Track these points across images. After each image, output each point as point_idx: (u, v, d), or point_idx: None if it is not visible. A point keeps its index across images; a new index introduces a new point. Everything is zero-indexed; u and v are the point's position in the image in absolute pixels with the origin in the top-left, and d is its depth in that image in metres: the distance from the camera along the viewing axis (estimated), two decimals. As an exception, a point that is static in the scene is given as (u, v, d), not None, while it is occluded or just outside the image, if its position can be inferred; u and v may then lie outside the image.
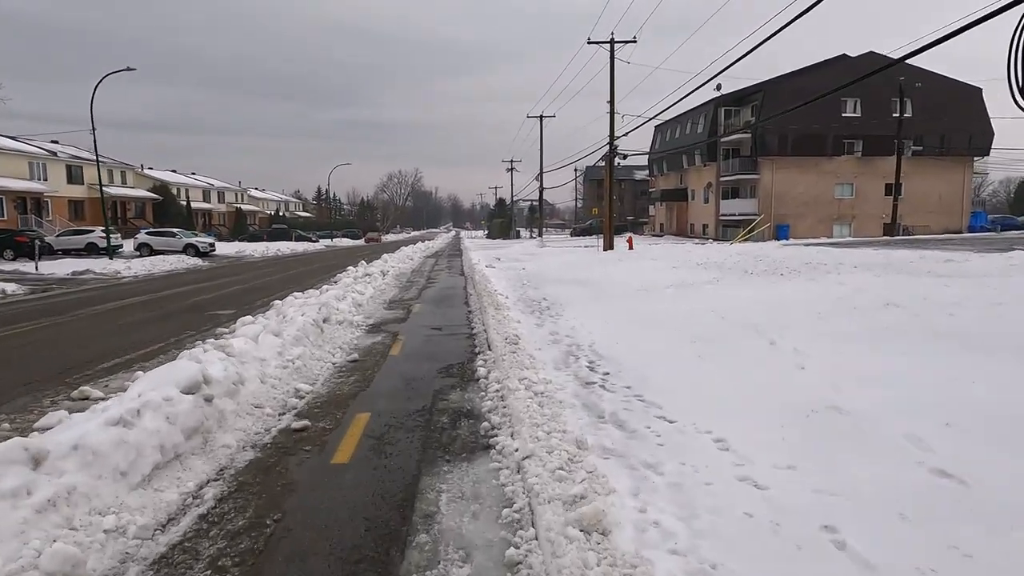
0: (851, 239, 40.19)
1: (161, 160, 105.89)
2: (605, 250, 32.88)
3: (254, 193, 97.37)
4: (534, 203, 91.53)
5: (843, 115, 43.09)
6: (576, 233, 70.63)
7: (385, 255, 24.34)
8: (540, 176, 56.00)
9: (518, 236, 79.40)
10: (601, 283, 15.97)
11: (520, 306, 12.35)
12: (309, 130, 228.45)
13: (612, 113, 32.39)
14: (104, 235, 38.49)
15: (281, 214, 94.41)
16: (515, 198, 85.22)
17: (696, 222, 52.65)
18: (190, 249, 37.75)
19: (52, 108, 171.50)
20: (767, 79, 43.60)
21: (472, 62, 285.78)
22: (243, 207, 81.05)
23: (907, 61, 9.21)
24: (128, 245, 39.14)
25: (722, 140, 46.59)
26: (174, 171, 78.12)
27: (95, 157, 55.02)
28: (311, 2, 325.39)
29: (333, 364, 7.85)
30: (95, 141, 28.39)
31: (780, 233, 42.64)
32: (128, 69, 27.20)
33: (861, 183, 44.35)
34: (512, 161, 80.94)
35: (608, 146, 32.53)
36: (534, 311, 11.58)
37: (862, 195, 44.48)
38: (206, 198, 76.20)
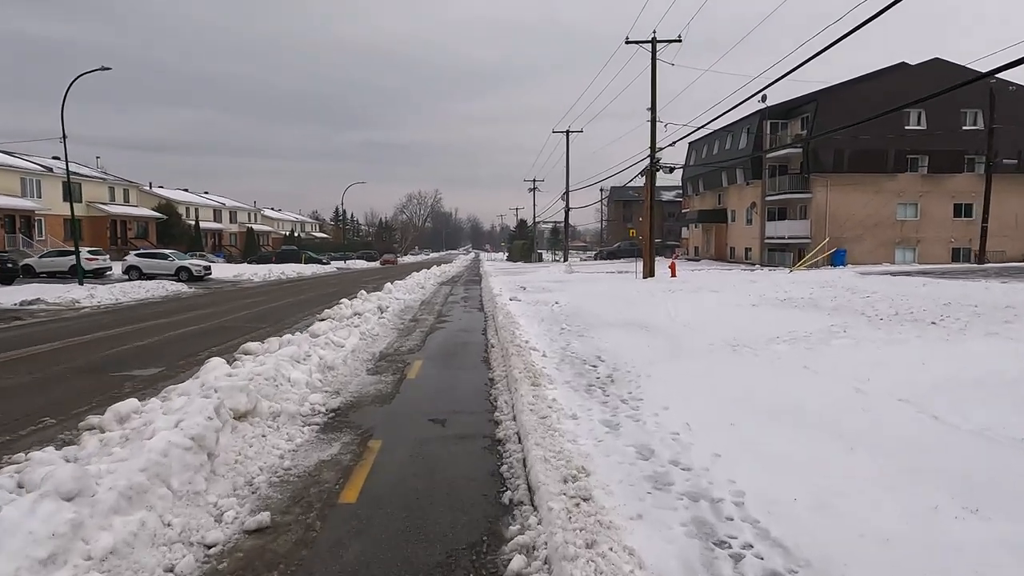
0: (921, 266, 35.55)
1: (181, 181, 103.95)
2: (645, 277, 28.69)
3: (269, 213, 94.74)
4: (556, 224, 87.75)
5: (906, 128, 38.67)
6: (603, 256, 66.42)
7: (388, 284, 20.36)
8: (566, 194, 52.10)
9: (540, 259, 75.38)
10: (668, 330, 11.77)
11: (567, 373, 8.22)
12: (329, 152, 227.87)
13: (654, 121, 28.42)
14: (92, 256, 35.31)
15: (296, 235, 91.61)
16: (536, 220, 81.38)
17: (736, 245, 48.21)
18: (183, 272, 34.35)
19: (77, 130, 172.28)
20: (819, 89, 39.41)
21: (494, 83, 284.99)
22: (255, 227, 78.16)
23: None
24: (118, 268, 35.82)
25: (768, 156, 42.39)
26: (186, 190, 75.66)
27: (96, 173, 52.34)
28: (332, 26, 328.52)
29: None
30: (65, 150, 25.20)
31: (836, 259, 38.10)
32: (103, 69, 23.86)
33: (926, 203, 39.73)
34: (535, 181, 77.25)
35: (649, 158, 28.50)
36: (591, 386, 7.43)
37: (927, 216, 39.83)
38: (217, 218, 73.41)
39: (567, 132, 51.74)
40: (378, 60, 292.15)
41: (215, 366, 6.97)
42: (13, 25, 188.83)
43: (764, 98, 37.36)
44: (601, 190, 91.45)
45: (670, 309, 14.88)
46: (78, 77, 24.10)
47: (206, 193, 79.84)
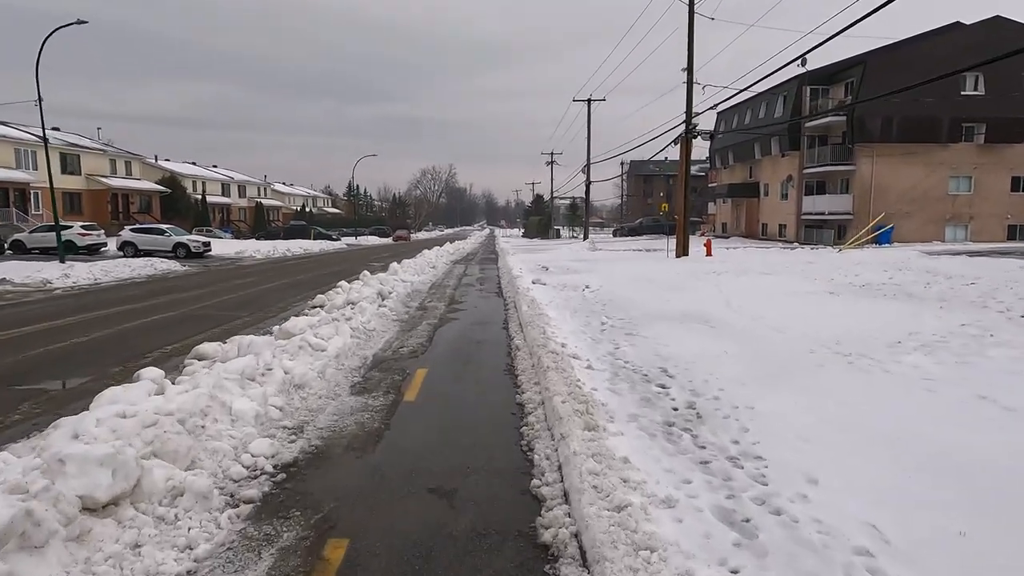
0: (977, 245, 32.56)
1: (195, 156, 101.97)
2: (679, 256, 26.11)
3: (279, 188, 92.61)
4: (574, 200, 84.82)
5: (962, 94, 35.36)
6: (623, 233, 63.55)
7: (394, 264, 17.94)
8: (587, 167, 49.25)
9: (557, 235, 72.71)
10: (738, 325, 9.30)
11: (628, 399, 5.80)
12: (344, 127, 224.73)
13: (690, 82, 25.58)
14: (86, 231, 33.31)
15: (308, 210, 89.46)
16: (554, 195, 78.50)
17: (769, 221, 45.26)
18: (180, 249, 32.26)
19: (93, 105, 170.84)
20: (867, 51, 36.09)
21: (512, 57, 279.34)
22: (264, 202, 76.06)
23: None
24: (113, 244, 33.79)
25: (808, 124, 39.25)
26: (193, 163, 73.57)
27: (96, 144, 50.24)
28: (346, 3, 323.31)
29: None
30: (42, 115, 22.71)
31: (882, 237, 35.15)
32: (80, 22, 21.44)
33: (981, 176, 36.52)
34: (552, 153, 74.25)
35: (684, 124, 25.72)
36: (671, 427, 5.00)
37: (982, 191, 36.66)
38: (225, 192, 71.34)
39: (588, 101, 48.77)
40: (394, 33, 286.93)
41: (111, 397, 4.63)
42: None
43: (804, 62, 34.18)
44: (622, 163, 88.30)
45: (727, 296, 12.38)
46: (54, 31, 21.72)
47: (215, 167, 77.76)
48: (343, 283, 14.03)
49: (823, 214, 38.12)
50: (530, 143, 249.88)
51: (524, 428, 5.42)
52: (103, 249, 34.06)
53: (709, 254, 26.91)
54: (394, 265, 17.41)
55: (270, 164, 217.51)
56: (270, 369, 6.23)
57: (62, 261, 23.05)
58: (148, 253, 32.29)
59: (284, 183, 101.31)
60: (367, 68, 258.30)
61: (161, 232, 32.97)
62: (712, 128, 54.34)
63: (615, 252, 32.45)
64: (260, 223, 67.08)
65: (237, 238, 56.73)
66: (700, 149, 55.81)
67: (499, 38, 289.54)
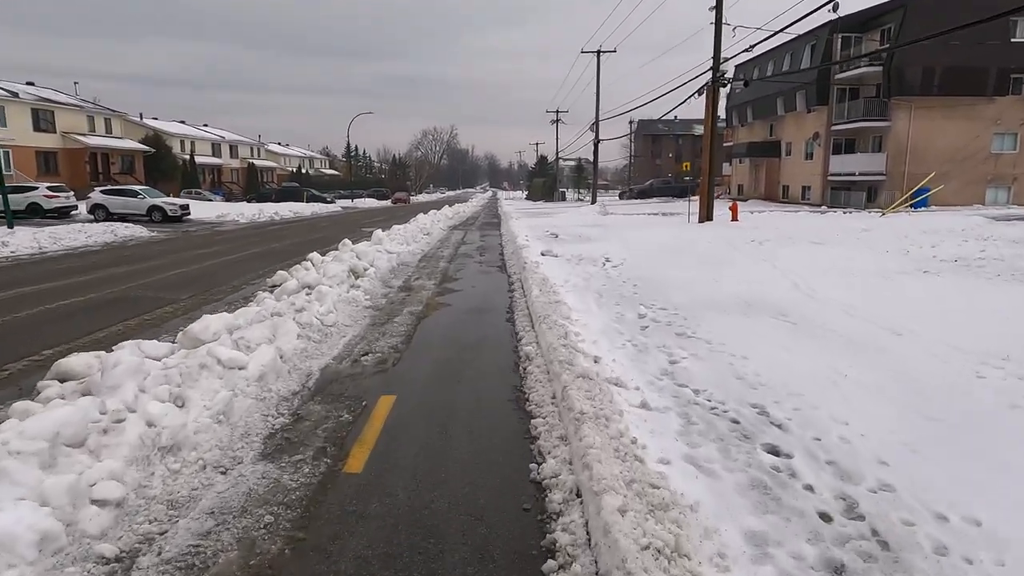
0: (1018, 209, 29.76)
1: (191, 117, 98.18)
2: (702, 221, 23.43)
3: (274, 148, 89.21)
4: (580, 161, 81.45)
5: (1012, 41, 32.05)
6: (632, 195, 60.49)
7: (378, 232, 15.22)
8: (595, 125, 46.04)
9: (563, 198, 69.70)
10: (834, 323, 6.73)
11: (728, 483, 3.31)
12: (344, 87, 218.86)
13: (718, 21, 22.52)
14: (53, 193, 30.64)
15: (304, 171, 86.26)
16: (559, 155, 75.20)
17: (791, 183, 42.27)
18: (155, 212, 29.68)
19: (81, 64, 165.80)
20: (909, -8, 32.61)
21: (516, 15, 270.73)
22: (257, 163, 72.92)
23: None
24: (84, 207, 31.15)
25: (838, 77, 36.04)
26: (182, 122, 70.29)
27: (72, 100, 47.10)
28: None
29: None
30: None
31: (919, 200, 32.29)
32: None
33: (1028, 133, 33.45)
34: (558, 112, 70.64)
35: (711, 71, 22.73)
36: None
37: (1028, 149, 33.62)
38: (216, 152, 68.15)
39: (598, 52, 45.27)
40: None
41: None
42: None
43: (836, 6, 30.86)
44: (630, 122, 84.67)
45: (788, 275, 9.81)
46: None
47: (205, 126, 74.41)
48: (314, 255, 11.47)
49: (853, 175, 35.17)
50: (534, 104, 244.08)
51: (557, 552, 2.91)
52: (73, 212, 31.46)
53: (735, 218, 24.22)
54: (378, 233, 14.78)
55: (268, 126, 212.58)
56: (121, 421, 3.71)
57: (10, 226, 20.45)
58: (123, 217, 29.74)
59: (280, 143, 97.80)
60: (368, 26, 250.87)
61: (135, 194, 30.28)
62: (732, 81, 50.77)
63: (628, 217, 29.71)
64: (253, 185, 64.15)
65: (228, 200, 53.98)
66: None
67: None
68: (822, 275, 9.75)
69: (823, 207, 34.98)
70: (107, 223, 23.61)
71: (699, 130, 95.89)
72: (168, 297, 9.80)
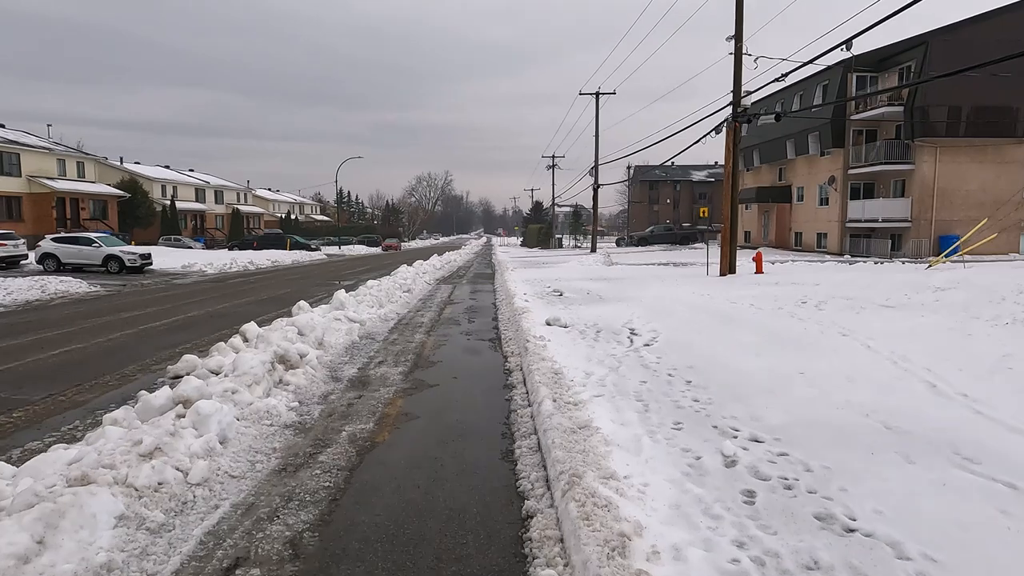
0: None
1: (188, 163, 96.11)
2: (723, 274, 20.58)
3: (263, 193, 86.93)
4: (577, 207, 79.29)
5: (1043, 79, 29.93)
6: (633, 243, 57.99)
7: (339, 294, 12.13)
8: (595, 168, 43.67)
9: (559, 245, 67.18)
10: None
11: None
12: (340, 133, 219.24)
13: (738, 51, 20.12)
14: (0, 240, 27.71)
15: (294, 217, 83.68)
16: (555, 200, 73.06)
17: (804, 230, 39.75)
18: (112, 263, 26.76)
19: (79, 111, 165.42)
20: (929, 30, 30.65)
21: (510, 65, 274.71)
22: (243, 208, 70.41)
23: None
24: (34, 256, 28.17)
25: (854, 118, 33.87)
26: (167, 167, 68.02)
27: (41, 142, 44.47)
28: (344, 3, 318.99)
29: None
30: None
31: (944, 246, 29.68)
32: None
33: (1063, 177, 31.07)
34: (554, 157, 68.80)
35: (731, 106, 20.24)
36: None
37: (1063, 194, 31.19)
38: (199, 197, 65.66)
39: (596, 94, 43.28)
40: (389, 39, 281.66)
41: None
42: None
43: (849, 46, 28.83)
44: (628, 167, 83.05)
45: (908, 365, 6.82)
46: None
47: (191, 171, 72.19)
48: (250, 327, 8.48)
49: (875, 221, 32.59)
50: (528, 151, 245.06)
51: None
52: (23, 262, 28.53)
53: (760, 270, 21.42)
54: (340, 296, 11.71)
55: (259, 171, 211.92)
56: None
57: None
58: (78, 268, 26.88)
59: (270, 189, 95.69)
60: (362, 74, 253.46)
61: (89, 242, 27.32)
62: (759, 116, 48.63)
63: (636, 268, 26.87)
64: (237, 231, 61.42)
65: (209, 248, 51.14)
66: (715, 150, 50.44)
67: (500, 45, 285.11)
68: (953, 364, 6.76)
69: (845, 256, 32.29)
70: (41, 276, 20.54)
71: (697, 176, 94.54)
72: (16, 398, 6.70)
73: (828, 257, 32.02)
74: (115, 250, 27.07)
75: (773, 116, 18.40)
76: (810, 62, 18.91)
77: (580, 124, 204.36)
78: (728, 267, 20.62)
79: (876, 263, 26.09)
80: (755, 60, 20.19)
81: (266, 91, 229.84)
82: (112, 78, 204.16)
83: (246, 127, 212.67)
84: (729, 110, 20.53)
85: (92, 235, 28.42)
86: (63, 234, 29.45)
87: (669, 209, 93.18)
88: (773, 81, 17.92)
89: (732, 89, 20.32)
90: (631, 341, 9.01)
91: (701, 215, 23.51)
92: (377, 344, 9.71)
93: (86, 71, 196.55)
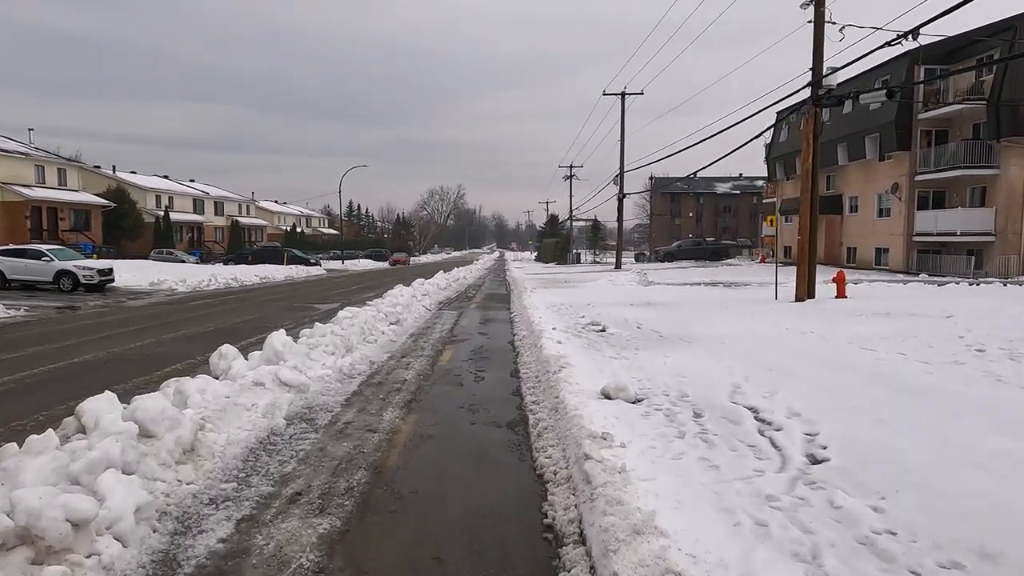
0: None
1: (204, 177, 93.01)
2: (800, 299, 16.27)
3: (267, 206, 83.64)
4: (596, 221, 75.07)
5: None
6: (658, 258, 53.67)
7: (278, 335, 7.96)
8: (620, 176, 39.50)
9: (577, 260, 62.88)
10: None
11: None
12: (351, 148, 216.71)
13: (819, 18, 15.95)
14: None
15: (300, 230, 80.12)
16: (572, 213, 68.92)
17: (859, 244, 35.28)
18: (65, 279, 22.92)
19: (93, 125, 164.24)
20: (1016, 14, 26.32)
21: (523, 79, 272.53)
22: (245, 220, 66.91)
23: None
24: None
25: (922, 117, 29.53)
26: (166, 177, 64.77)
27: (17, 147, 41.14)
28: (358, 20, 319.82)
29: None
30: None
31: (1038, 264, 25.15)
32: None
33: None
34: (571, 167, 64.81)
35: (810, 85, 16.05)
36: None
37: None
38: (197, 208, 62.26)
39: (622, 94, 39.27)
40: (403, 55, 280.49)
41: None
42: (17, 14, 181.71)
43: (916, 35, 24.50)
44: (651, 178, 78.93)
45: None
46: None
47: (192, 181, 68.90)
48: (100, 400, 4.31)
49: (952, 234, 28.07)
50: (542, 166, 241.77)
51: None
52: (-31, 280, 24.78)
53: (842, 294, 17.09)
54: (275, 341, 7.56)
55: (268, 184, 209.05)
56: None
57: None
58: (28, 285, 23.16)
59: (276, 201, 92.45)
60: (377, 89, 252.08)
61: (39, 255, 23.54)
62: (770, 134, 43.99)
63: (677, 287, 22.57)
64: (236, 244, 57.81)
65: (205, 262, 47.42)
66: (737, 163, 45.87)
67: (514, 60, 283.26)
68: None
69: (921, 274, 27.77)
70: (40, 289, 16.62)
71: (722, 188, 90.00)
72: None
73: (899, 276, 27.52)
74: (68, 265, 23.22)
75: (884, 92, 14.07)
76: (910, 31, 14.89)
77: (596, 137, 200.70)
78: (807, 290, 16.31)
79: (972, 284, 21.61)
80: (841, 30, 16.02)
81: (279, 106, 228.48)
82: (132, 95, 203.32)
83: (252, 141, 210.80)
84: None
85: (42, 247, 24.60)
86: (10, 246, 25.60)
87: (692, 223, 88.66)
88: (881, 48, 13.69)
89: (812, 66, 16.15)
90: (775, 446, 4.77)
91: (769, 224, 19.17)
92: (309, 441, 5.50)
93: (116, 88, 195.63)
